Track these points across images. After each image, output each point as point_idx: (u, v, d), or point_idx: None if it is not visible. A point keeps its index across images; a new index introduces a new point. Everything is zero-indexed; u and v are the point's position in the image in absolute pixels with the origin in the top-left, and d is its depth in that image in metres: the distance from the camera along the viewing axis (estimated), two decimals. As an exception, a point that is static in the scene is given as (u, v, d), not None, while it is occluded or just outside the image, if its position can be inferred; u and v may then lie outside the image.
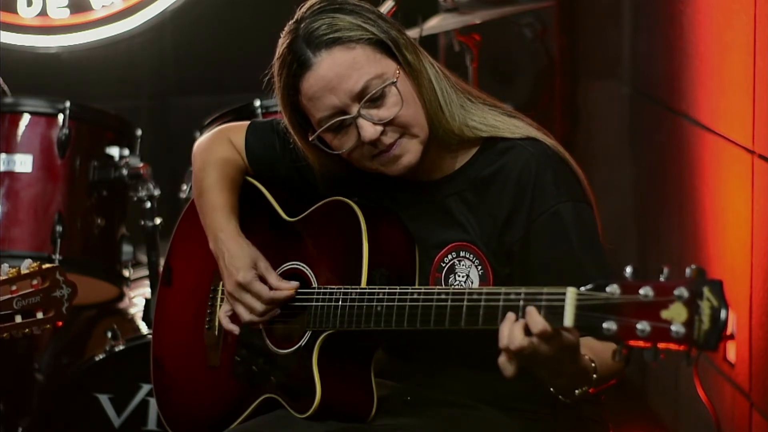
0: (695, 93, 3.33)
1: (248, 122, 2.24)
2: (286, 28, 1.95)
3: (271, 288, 2.01)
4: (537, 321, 1.60)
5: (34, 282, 2.01)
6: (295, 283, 2.01)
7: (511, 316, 1.64)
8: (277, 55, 1.95)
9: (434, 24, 3.52)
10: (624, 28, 4.21)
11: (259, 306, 2.00)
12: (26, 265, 2.01)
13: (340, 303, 1.91)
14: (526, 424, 1.99)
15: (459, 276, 1.94)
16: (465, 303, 1.72)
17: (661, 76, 3.72)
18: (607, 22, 4.36)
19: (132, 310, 3.41)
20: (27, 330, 1.99)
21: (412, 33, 2.04)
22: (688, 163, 3.38)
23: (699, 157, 3.31)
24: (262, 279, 2.02)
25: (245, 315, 2.02)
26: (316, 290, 1.98)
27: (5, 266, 1.99)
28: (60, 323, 2.07)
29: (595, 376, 1.73)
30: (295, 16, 1.95)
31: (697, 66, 3.30)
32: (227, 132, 2.23)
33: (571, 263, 1.86)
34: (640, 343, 1.49)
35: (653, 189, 3.93)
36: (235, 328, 2.07)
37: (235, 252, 2.03)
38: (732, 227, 3.02)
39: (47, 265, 2.04)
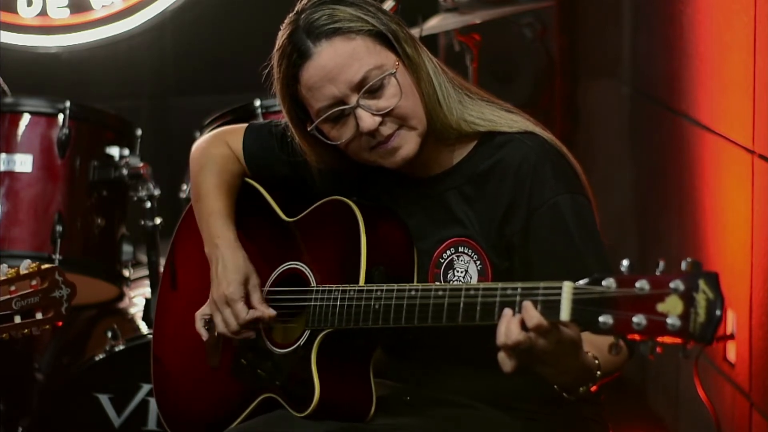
0: (695, 93, 3.33)
1: (245, 125, 2.24)
2: (287, 20, 1.96)
3: (252, 306, 2.03)
4: (532, 315, 1.59)
5: (33, 282, 2.00)
6: (273, 312, 2.02)
7: (508, 311, 1.63)
8: (276, 46, 1.96)
9: (434, 24, 3.52)
10: (624, 28, 4.21)
11: (234, 325, 2.02)
12: (25, 266, 2.01)
13: (338, 302, 1.91)
14: (526, 424, 1.98)
15: (458, 271, 1.94)
16: (462, 299, 1.72)
17: (661, 76, 3.72)
18: (607, 22, 4.36)
19: (132, 310, 3.41)
20: (26, 330, 1.98)
21: (413, 32, 2.04)
22: (688, 163, 3.38)
23: (699, 157, 3.32)
24: (247, 295, 2.04)
25: (220, 326, 2.04)
26: (315, 290, 1.97)
27: (4, 267, 1.98)
28: (59, 323, 2.07)
29: (598, 372, 1.72)
30: (296, 8, 1.96)
31: (697, 66, 3.30)
32: (224, 135, 2.23)
33: (570, 254, 1.86)
34: (637, 337, 1.49)
35: (653, 189, 3.93)
36: (204, 333, 2.09)
37: (230, 263, 2.04)
38: (732, 227, 3.02)
39: (46, 266, 2.04)
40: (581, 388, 1.72)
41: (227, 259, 2.05)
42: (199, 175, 2.18)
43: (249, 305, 2.03)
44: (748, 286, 2.89)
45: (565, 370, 1.67)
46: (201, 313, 2.09)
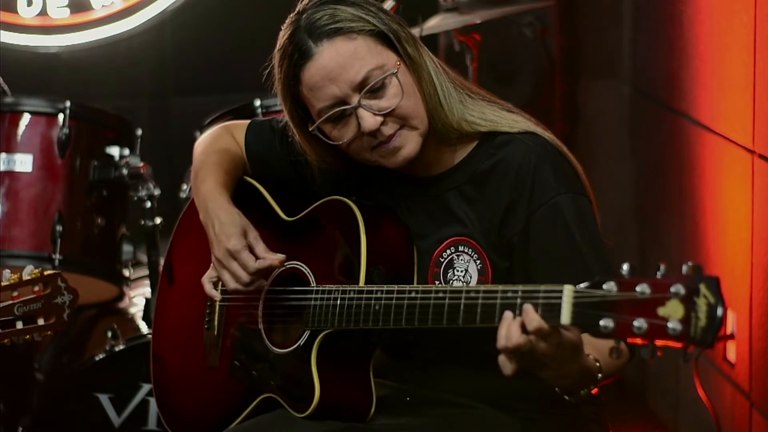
0: (695, 93, 3.33)
1: (248, 121, 2.24)
2: (288, 20, 1.96)
3: (257, 258, 1.99)
4: (533, 318, 1.59)
5: (36, 288, 2.00)
6: (281, 256, 1.98)
7: (508, 314, 1.63)
8: (278, 46, 1.96)
9: (434, 24, 3.52)
10: (624, 28, 4.22)
11: (244, 276, 1.98)
12: (28, 272, 2.00)
13: (338, 302, 1.90)
14: (525, 424, 1.98)
15: (458, 271, 1.94)
16: (462, 301, 1.72)
17: (661, 76, 3.72)
18: (607, 22, 4.37)
19: (132, 310, 3.41)
20: (28, 336, 1.98)
21: (413, 32, 2.04)
22: (688, 162, 3.39)
23: (699, 157, 3.32)
24: (250, 248, 2.00)
25: (230, 282, 2.00)
26: (315, 290, 1.97)
27: (7, 272, 1.97)
28: (61, 329, 2.06)
29: (600, 375, 1.72)
30: (297, 8, 1.96)
31: (697, 66, 3.30)
32: (230, 128, 2.24)
33: (571, 255, 1.86)
34: (637, 341, 1.49)
35: (653, 189, 3.93)
36: (216, 294, 2.06)
37: (225, 219, 2.01)
38: (732, 227, 3.02)
39: (49, 272, 2.03)
40: (582, 391, 1.72)
41: (222, 217, 2.02)
42: (201, 154, 2.17)
43: (255, 256, 2.00)
44: (748, 286, 2.90)
45: (566, 374, 1.67)
46: (208, 277, 2.07)
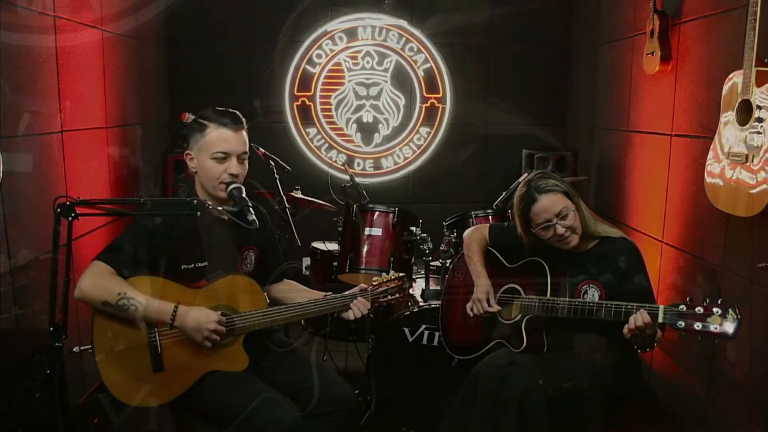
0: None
1: (488, 225, 3.73)
2: (523, 181, 3.44)
3: (490, 305, 3.57)
4: (646, 317, 2.96)
5: (395, 282, 3.60)
6: (498, 308, 3.53)
7: (635, 315, 3.03)
8: (518, 192, 3.41)
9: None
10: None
11: (480, 310, 3.56)
12: (388, 275, 3.56)
13: (537, 303, 3.33)
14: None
15: (587, 296, 3.34)
16: (604, 308, 3.12)
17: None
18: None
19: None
20: (401, 301, 3.57)
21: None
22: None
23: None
24: (488, 299, 3.56)
25: (476, 309, 3.57)
26: (526, 297, 3.38)
27: (384, 275, 3.65)
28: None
29: (655, 343, 3.12)
30: (528, 176, 3.43)
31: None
32: (480, 228, 3.78)
33: (643, 288, 3.28)
34: (695, 332, 2.81)
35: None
36: (496, 308, 3.53)
37: (482, 281, 3.60)
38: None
39: (396, 274, 3.55)
40: (648, 348, 3.13)
41: (481, 280, 3.59)
42: (469, 249, 3.71)
43: (489, 303, 3.56)
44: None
45: (648, 343, 3.10)
46: (475, 298, 3.59)
